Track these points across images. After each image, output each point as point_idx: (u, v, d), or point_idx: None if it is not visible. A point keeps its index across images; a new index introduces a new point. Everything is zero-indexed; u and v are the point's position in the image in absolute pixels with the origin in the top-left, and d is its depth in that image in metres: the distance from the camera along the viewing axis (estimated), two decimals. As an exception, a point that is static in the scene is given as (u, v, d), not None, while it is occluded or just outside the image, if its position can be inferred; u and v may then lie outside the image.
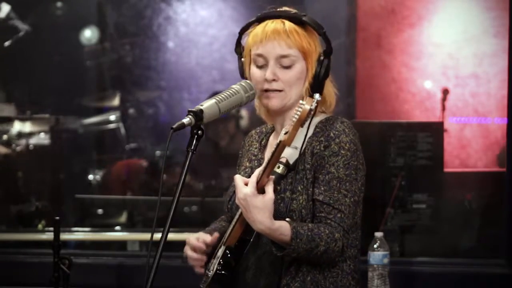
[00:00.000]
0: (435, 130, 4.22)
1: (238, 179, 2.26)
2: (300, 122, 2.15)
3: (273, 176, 2.26)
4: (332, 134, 2.33)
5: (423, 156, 4.04)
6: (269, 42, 2.35)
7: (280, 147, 2.18)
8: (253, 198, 2.21)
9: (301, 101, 2.15)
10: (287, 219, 2.28)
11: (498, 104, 4.97)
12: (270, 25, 2.36)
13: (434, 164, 4.07)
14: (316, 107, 2.17)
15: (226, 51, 5.86)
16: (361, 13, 5.28)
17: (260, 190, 2.22)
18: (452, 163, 5.08)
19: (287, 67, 2.36)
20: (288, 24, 2.35)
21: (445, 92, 5.09)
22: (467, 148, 5.17)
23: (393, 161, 4.04)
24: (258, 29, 2.38)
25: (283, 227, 2.24)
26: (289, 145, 2.19)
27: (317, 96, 2.18)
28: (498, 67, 4.91)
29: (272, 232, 2.23)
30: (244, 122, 5.13)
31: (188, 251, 2.44)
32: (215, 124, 5.10)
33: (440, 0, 5.28)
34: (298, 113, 2.14)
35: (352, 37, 5.26)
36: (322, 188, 2.31)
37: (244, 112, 5.08)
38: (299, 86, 2.38)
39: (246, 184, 2.23)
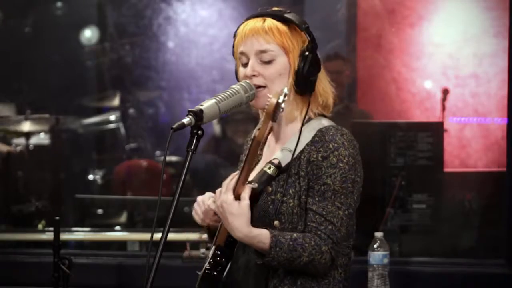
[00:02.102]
0: (435, 130, 4.22)
1: (223, 184, 2.28)
2: (269, 117, 2.17)
3: (250, 186, 2.26)
4: (331, 146, 2.32)
5: (423, 156, 4.05)
6: (248, 39, 2.36)
7: (254, 143, 2.20)
8: (229, 205, 2.22)
9: (268, 95, 2.19)
10: (275, 222, 2.28)
11: (498, 104, 4.97)
12: (250, 23, 2.38)
13: (434, 164, 4.07)
14: (304, 97, 2.19)
15: (226, 51, 5.86)
16: (361, 13, 5.28)
17: (238, 196, 2.24)
18: (452, 163, 5.08)
19: (268, 62, 2.36)
20: (269, 21, 2.36)
21: (445, 92, 5.09)
22: (467, 148, 5.17)
23: (393, 161, 4.04)
24: (240, 28, 2.40)
25: (262, 235, 2.23)
26: (260, 140, 2.20)
27: (285, 89, 2.19)
28: (498, 67, 4.91)
29: (250, 240, 2.23)
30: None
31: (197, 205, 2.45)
32: (236, 124, 5.11)
33: (440, 0, 5.28)
34: (267, 106, 2.17)
35: (352, 37, 5.26)
36: (317, 199, 2.30)
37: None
38: (282, 81, 2.37)
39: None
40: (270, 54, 2.35)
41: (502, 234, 3.75)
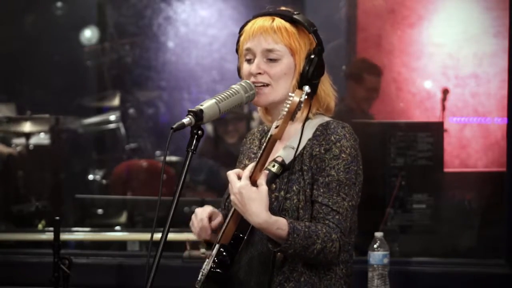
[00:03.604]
0: (435, 130, 4.22)
1: (231, 174, 2.26)
2: (290, 115, 2.16)
3: (266, 171, 2.26)
4: (333, 138, 2.34)
5: (423, 156, 4.04)
6: (256, 36, 2.37)
7: (271, 141, 2.19)
8: (248, 190, 2.20)
9: (290, 94, 2.18)
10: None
11: (498, 104, 4.97)
12: (259, 21, 2.39)
13: (434, 164, 4.07)
14: (306, 99, 2.18)
15: (226, 51, 5.87)
16: (361, 13, 5.28)
17: (253, 184, 2.22)
18: (452, 163, 5.08)
19: (274, 61, 2.37)
20: (278, 21, 2.37)
21: (445, 92, 5.09)
22: (467, 148, 5.17)
23: (393, 161, 4.04)
24: (248, 26, 2.41)
25: (280, 222, 2.23)
26: (279, 139, 2.20)
27: (306, 88, 2.18)
28: (498, 67, 4.91)
29: (269, 226, 2.22)
30: (255, 124, 5.14)
31: (197, 219, 2.43)
32: (226, 123, 5.12)
33: (440, 0, 5.27)
34: (288, 105, 2.15)
35: (352, 37, 5.26)
36: (322, 190, 2.31)
37: (256, 114, 5.07)
38: (286, 81, 2.38)
39: (240, 179, 2.24)
40: (276, 53, 2.36)
41: (502, 234, 3.75)
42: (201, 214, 2.43)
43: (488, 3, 5.14)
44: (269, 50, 2.36)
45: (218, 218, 2.45)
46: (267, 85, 2.37)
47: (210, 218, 2.44)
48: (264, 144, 2.21)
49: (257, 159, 2.22)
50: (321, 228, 2.27)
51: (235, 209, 2.28)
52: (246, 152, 2.57)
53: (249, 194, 2.20)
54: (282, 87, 2.38)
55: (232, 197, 2.25)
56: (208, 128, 5.21)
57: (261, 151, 2.22)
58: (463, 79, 5.15)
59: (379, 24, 5.24)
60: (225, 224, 2.35)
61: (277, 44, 2.36)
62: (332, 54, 4.98)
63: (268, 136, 2.19)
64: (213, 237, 2.43)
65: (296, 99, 2.15)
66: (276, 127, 2.17)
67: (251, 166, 2.24)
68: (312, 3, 5.15)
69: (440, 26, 5.24)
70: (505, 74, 3.78)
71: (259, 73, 2.37)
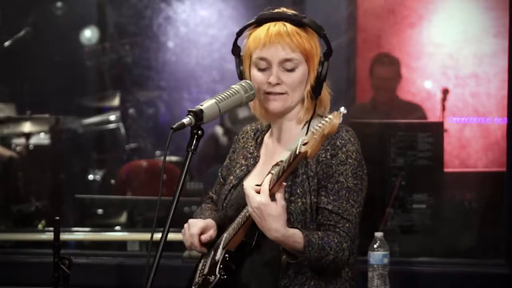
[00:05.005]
0: (435, 130, 4.22)
1: (249, 188, 2.25)
2: (325, 137, 2.10)
3: (285, 183, 2.25)
4: (338, 143, 2.33)
5: (423, 156, 4.04)
6: (273, 46, 2.34)
7: (299, 157, 2.14)
8: (267, 206, 2.20)
9: (329, 116, 2.09)
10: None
11: (498, 104, 4.97)
12: (273, 28, 2.35)
13: (434, 164, 4.07)
14: (311, 101, 2.18)
15: (226, 51, 5.84)
16: (361, 13, 5.28)
17: (271, 196, 2.21)
18: (452, 163, 5.08)
19: (290, 70, 2.36)
20: (290, 27, 2.35)
21: (445, 92, 5.09)
22: (467, 148, 5.17)
23: (393, 161, 4.04)
24: (261, 32, 2.37)
25: (296, 235, 2.24)
26: (312, 158, 2.16)
27: (342, 109, 2.10)
28: (498, 67, 4.91)
29: (286, 239, 2.23)
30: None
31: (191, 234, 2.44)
32: (237, 128, 5.10)
33: (440, 0, 5.28)
34: (326, 126, 2.07)
35: (352, 37, 5.26)
36: (331, 198, 2.31)
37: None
38: (301, 89, 2.38)
39: (258, 192, 2.23)
40: (294, 62, 2.35)
41: (502, 234, 3.75)
42: (192, 229, 2.43)
43: (488, 3, 5.14)
44: (287, 60, 2.34)
45: (210, 232, 2.44)
46: (283, 93, 2.37)
47: (202, 233, 2.43)
48: (290, 159, 2.15)
49: (279, 173, 2.19)
50: (333, 238, 2.28)
51: (247, 219, 2.28)
52: (241, 151, 2.55)
53: (268, 211, 2.20)
54: (297, 95, 2.38)
55: (250, 210, 2.24)
56: (219, 132, 5.20)
57: (284, 166, 2.17)
58: (463, 79, 5.15)
59: (379, 24, 5.24)
60: (234, 232, 2.34)
61: (294, 52, 2.34)
62: (336, 53, 4.97)
63: (296, 152, 2.11)
64: (202, 250, 2.44)
65: (336, 122, 2.07)
66: (305, 144, 2.09)
67: (269, 178, 2.23)
68: (312, 3, 5.14)
69: (440, 26, 5.24)
70: (505, 74, 3.78)
71: (277, 84, 2.36)
